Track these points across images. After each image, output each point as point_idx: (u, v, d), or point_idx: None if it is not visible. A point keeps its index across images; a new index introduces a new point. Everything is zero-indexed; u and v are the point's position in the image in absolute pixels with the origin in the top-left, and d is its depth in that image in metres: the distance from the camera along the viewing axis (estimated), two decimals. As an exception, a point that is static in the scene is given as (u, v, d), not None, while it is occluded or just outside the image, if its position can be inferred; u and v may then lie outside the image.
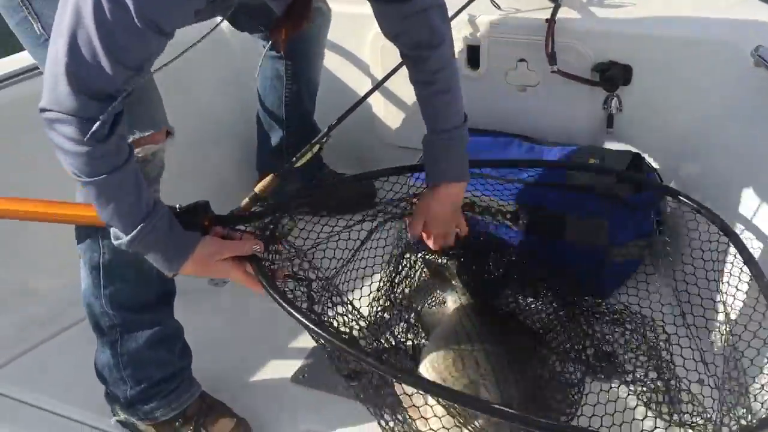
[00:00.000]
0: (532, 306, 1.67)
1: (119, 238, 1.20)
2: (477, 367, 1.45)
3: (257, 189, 1.85)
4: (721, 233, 1.47)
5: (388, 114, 2.35)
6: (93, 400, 1.55)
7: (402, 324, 1.64)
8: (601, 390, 1.43)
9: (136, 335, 1.45)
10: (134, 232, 1.18)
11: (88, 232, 1.39)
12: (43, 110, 1.09)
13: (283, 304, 1.20)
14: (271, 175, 1.87)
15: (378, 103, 2.34)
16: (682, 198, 1.57)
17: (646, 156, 1.89)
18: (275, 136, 2.13)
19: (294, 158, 1.88)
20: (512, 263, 1.70)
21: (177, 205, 1.31)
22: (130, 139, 1.28)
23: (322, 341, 1.20)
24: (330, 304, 1.45)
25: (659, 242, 1.75)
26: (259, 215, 1.45)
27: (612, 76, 1.94)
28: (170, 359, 1.48)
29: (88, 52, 1.04)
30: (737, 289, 1.43)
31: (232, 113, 2.32)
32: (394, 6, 1.41)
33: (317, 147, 1.84)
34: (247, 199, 1.83)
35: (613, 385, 1.46)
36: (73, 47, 1.04)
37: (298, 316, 1.17)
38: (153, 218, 1.20)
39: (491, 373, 1.43)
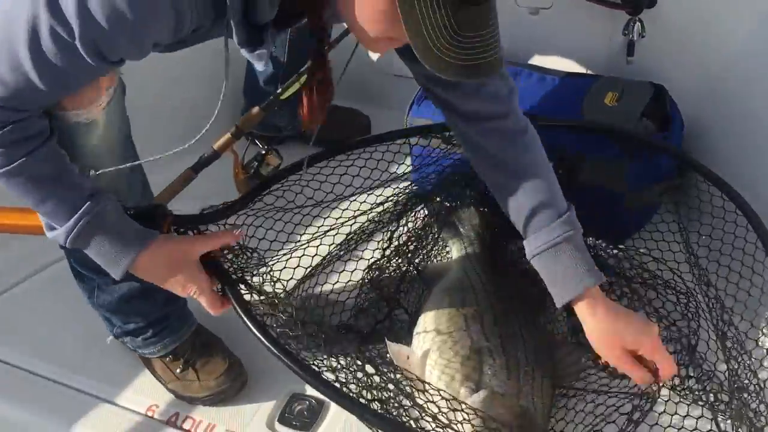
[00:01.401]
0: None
1: (54, 230, 1.06)
2: (481, 327, 1.33)
3: (240, 123, 1.70)
4: (739, 213, 1.33)
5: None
6: (64, 354, 1.48)
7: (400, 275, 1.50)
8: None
9: (111, 290, 1.35)
10: (71, 219, 1.03)
11: None
12: None
13: (258, 336, 1.11)
14: (257, 108, 1.71)
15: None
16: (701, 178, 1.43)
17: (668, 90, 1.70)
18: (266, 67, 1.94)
19: (279, 90, 1.72)
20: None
21: (128, 209, 1.14)
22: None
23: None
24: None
25: (680, 186, 1.61)
26: (228, 211, 1.30)
27: (636, -4, 1.75)
28: (151, 309, 1.38)
29: (8, 63, 0.89)
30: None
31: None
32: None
33: (304, 77, 1.68)
34: (228, 134, 1.68)
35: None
36: None
37: (275, 350, 1.09)
38: (98, 199, 1.05)
39: (496, 335, 1.31)
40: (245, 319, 1.12)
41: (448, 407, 1.15)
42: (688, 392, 1.25)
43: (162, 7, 0.87)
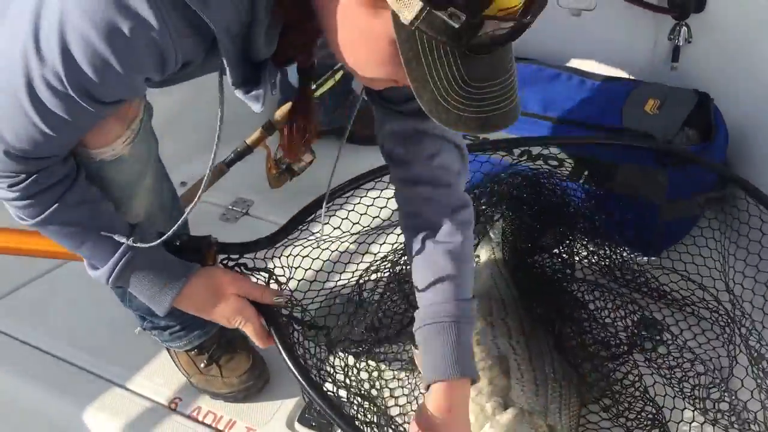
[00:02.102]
0: (576, 266, 1.49)
1: (96, 270, 1.06)
2: (509, 337, 1.31)
3: (273, 117, 1.70)
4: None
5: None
6: (92, 342, 1.50)
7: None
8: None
9: None
10: (110, 261, 1.03)
11: None
12: None
13: (298, 377, 1.08)
14: (289, 103, 1.70)
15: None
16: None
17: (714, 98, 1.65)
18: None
19: (314, 84, 1.71)
20: (558, 216, 1.50)
21: (176, 240, 1.14)
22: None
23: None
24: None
25: (721, 198, 1.55)
26: (270, 242, 1.25)
27: (682, 0, 1.69)
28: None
29: (19, 119, 0.86)
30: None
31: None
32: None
33: (340, 73, 1.68)
34: (261, 128, 1.69)
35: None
36: (1, 109, 0.87)
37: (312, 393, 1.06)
38: (134, 242, 1.04)
39: (524, 347, 1.29)
40: (290, 364, 1.10)
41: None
42: (720, 417, 1.22)
43: (141, 45, 0.81)
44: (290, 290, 1.27)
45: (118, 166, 1.05)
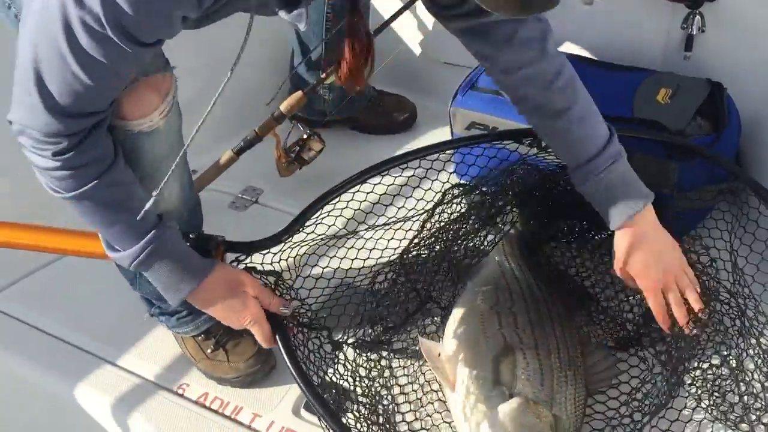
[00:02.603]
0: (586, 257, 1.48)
1: (118, 252, 1.08)
2: (515, 327, 1.30)
3: (282, 107, 1.70)
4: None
5: (435, 25, 2.10)
6: (101, 327, 1.51)
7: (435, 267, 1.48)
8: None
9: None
10: (137, 246, 1.06)
11: None
12: (10, 122, 0.97)
13: (302, 387, 1.10)
14: (299, 92, 1.71)
15: (424, 13, 2.09)
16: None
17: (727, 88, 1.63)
18: (315, 51, 1.93)
19: (324, 74, 1.72)
20: (569, 209, 1.49)
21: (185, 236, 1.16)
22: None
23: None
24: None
25: (735, 189, 1.52)
26: (276, 241, 1.28)
27: (696, -11, 1.67)
28: None
29: (59, 68, 0.88)
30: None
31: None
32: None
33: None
34: (271, 117, 1.69)
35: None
36: (43, 61, 0.88)
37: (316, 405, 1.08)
38: (163, 228, 1.08)
39: (530, 336, 1.28)
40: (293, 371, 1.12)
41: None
42: (729, 411, 1.20)
43: None
44: (297, 295, 1.28)
45: (154, 138, 1.09)
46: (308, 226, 1.31)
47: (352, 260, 1.42)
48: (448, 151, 1.46)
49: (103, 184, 1.01)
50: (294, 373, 1.11)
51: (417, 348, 1.33)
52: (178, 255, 1.11)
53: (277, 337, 1.15)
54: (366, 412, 1.19)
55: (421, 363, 1.33)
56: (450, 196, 1.55)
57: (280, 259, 1.29)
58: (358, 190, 1.37)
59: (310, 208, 1.31)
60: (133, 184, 1.07)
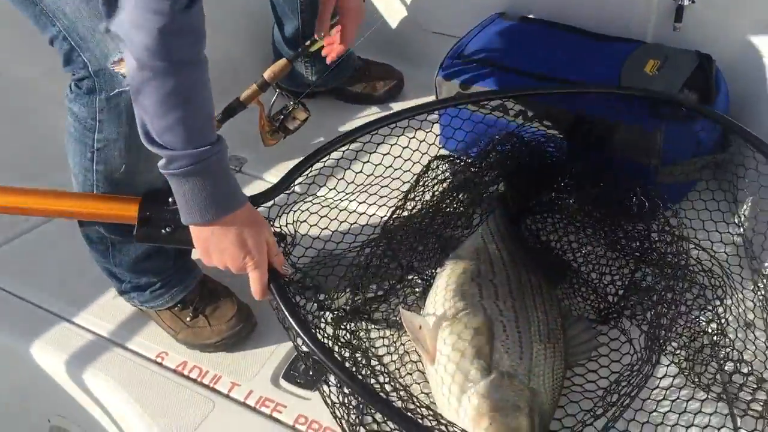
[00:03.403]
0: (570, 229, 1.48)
1: (173, 151, 1.00)
2: (495, 298, 1.29)
3: (266, 75, 1.68)
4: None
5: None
6: (80, 296, 1.51)
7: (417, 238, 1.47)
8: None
9: (128, 250, 1.35)
10: (206, 147, 1.00)
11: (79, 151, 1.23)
12: None
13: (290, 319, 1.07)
14: (283, 59, 1.69)
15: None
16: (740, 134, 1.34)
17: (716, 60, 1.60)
18: (289, 23, 1.90)
19: (308, 42, 1.69)
20: (553, 180, 1.49)
21: None
22: None
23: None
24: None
25: (722, 162, 1.52)
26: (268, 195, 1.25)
27: (687, -41, 1.64)
28: (165, 265, 1.38)
29: None
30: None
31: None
32: None
33: (333, 31, 1.65)
34: (254, 85, 1.66)
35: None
36: None
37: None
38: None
39: (510, 309, 1.27)
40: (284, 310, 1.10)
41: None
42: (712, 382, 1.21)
43: None
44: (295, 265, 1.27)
45: None
46: (297, 185, 1.29)
47: (334, 231, 1.42)
48: (436, 113, 1.44)
49: (200, 69, 0.98)
50: (288, 315, 1.08)
51: (397, 318, 1.33)
52: (227, 176, 1.05)
53: (271, 286, 1.11)
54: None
55: (401, 333, 1.33)
56: (434, 166, 1.54)
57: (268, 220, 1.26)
58: (342, 157, 1.35)
59: (299, 167, 1.29)
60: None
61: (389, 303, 1.39)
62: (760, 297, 1.31)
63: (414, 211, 1.48)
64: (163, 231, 1.14)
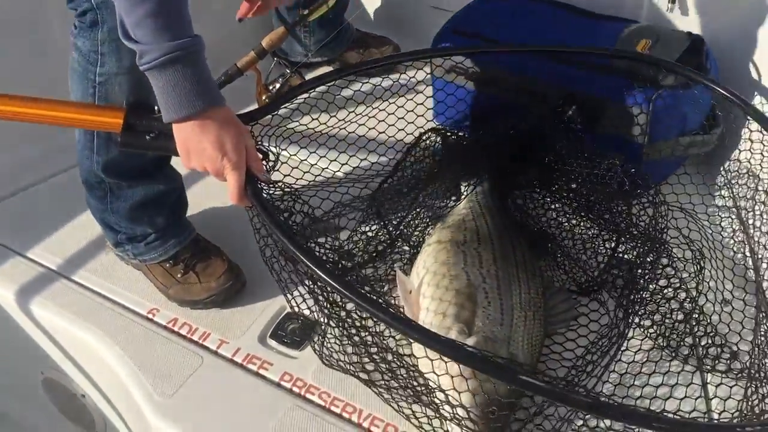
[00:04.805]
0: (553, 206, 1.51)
1: (148, 47, 1.00)
2: (479, 266, 1.32)
3: (264, 42, 1.69)
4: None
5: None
6: (75, 252, 1.53)
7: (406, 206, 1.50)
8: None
9: (126, 195, 1.38)
10: (177, 42, 1.00)
11: (81, 86, 1.25)
12: None
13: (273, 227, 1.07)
14: (281, 28, 1.70)
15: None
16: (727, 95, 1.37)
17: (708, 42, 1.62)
18: None
19: (306, 11, 1.70)
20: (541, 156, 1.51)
21: None
22: None
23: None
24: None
25: (708, 141, 1.54)
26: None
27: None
28: (160, 215, 1.42)
29: None
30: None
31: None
32: None
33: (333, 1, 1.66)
34: (253, 52, 1.68)
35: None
36: None
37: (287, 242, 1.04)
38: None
39: (494, 276, 1.30)
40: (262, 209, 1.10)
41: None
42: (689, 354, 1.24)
43: None
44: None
45: None
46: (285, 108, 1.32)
47: (326, 197, 1.45)
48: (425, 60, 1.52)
49: None
50: (263, 212, 1.09)
51: (382, 282, 1.36)
52: (203, 72, 1.06)
53: (247, 188, 1.12)
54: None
55: (391, 287, 1.36)
56: (425, 138, 1.57)
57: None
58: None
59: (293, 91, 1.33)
60: None
61: (377, 269, 1.41)
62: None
63: (404, 179, 1.51)
64: (147, 137, 1.14)
